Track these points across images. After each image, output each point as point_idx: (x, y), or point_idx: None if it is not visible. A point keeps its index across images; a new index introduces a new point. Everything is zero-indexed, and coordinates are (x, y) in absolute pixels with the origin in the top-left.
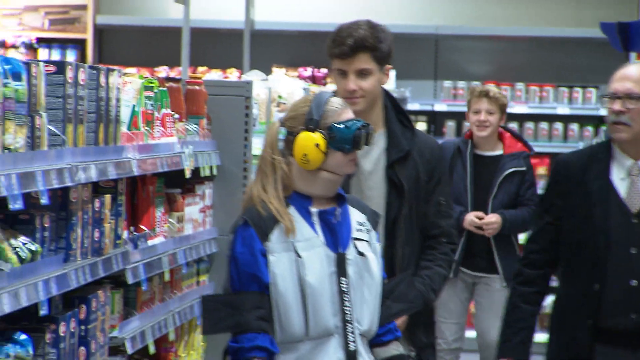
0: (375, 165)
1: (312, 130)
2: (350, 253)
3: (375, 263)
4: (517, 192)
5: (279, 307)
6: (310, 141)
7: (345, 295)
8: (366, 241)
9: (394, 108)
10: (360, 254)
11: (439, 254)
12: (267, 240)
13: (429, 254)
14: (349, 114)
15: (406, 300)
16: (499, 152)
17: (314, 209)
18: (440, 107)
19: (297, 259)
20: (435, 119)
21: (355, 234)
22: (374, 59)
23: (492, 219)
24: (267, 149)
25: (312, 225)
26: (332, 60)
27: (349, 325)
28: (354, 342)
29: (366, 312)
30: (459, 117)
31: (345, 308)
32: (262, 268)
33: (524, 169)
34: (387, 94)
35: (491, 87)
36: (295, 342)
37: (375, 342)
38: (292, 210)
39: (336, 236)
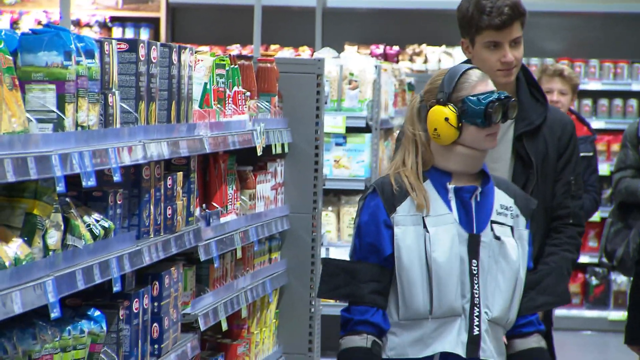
0: (502, 136)
1: (443, 104)
2: (486, 235)
3: (514, 250)
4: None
5: (403, 282)
6: (440, 115)
7: (475, 278)
8: (509, 226)
9: (526, 80)
10: (497, 237)
11: (566, 237)
12: (394, 212)
13: (554, 237)
14: (486, 87)
15: (554, 294)
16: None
17: (450, 186)
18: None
19: (425, 234)
20: None
21: (495, 217)
22: (522, 26)
23: None
24: (407, 124)
25: (447, 202)
26: (477, 32)
27: (476, 308)
28: (478, 326)
29: (498, 299)
30: None
31: (475, 291)
32: (384, 240)
33: (591, 154)
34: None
35: (564, 66)
36: (418, 319)
37: (514, 332)
38: (428, 185)
39: (472, 216)
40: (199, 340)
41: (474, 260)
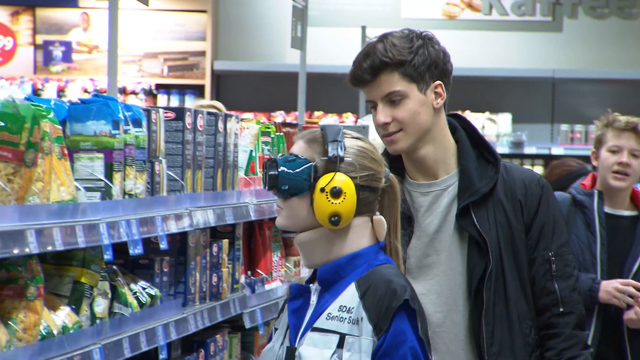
0: (443, 220)
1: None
2: (303, 348)
3: None
4: None
5: None
6: None
7: None
8: (336, 333)
9: (470, 138)
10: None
11: (562, 340)
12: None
13: (548, 345)
14: (294, 147)
15: None
16: (633, 211)
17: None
18: (557, 150)
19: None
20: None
21: (320, 323)
22: (405, 77)
23: None
24: None
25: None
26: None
27: None
28: None
29: None
30: None
31: None
32: None
33: None
34: (457, 121)
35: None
36: None
37: None
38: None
39: (300, 323)
40: None
41: None
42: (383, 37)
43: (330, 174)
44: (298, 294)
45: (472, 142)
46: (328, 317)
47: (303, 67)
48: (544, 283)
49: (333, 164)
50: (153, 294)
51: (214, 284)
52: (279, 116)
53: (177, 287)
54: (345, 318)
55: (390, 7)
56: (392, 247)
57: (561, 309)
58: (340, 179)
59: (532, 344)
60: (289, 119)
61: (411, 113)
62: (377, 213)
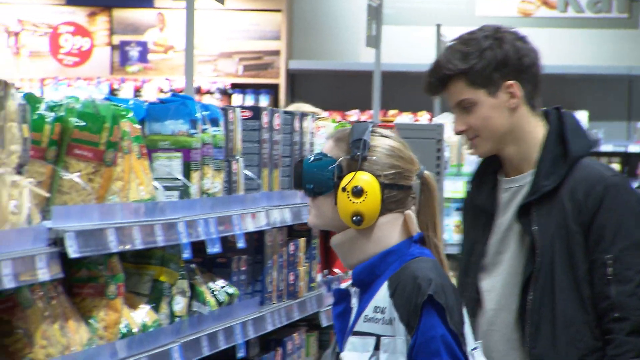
0: (514, 218)
1: None
2: (343, 354)
3: None
4: None
5: None
6: None
7: None
8: (373, 335)
9: (556, 135)
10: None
11: (613, 346)
12: None
13: (605, 351)
14: (324, 146)
15: None
16: None
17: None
18: (634, 148)
19: None
20: (629, 161)
21: (359, 326)
22: (472, 85)
23: None
24: None
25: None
26: None
27: None
28: None
29: None
30: None
31: None
32: None
33: None
34: (553, 115)
35: None
36: None
37: None
38: None
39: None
40: None
41: None
42: (449, 47)
43: (353, 173)
44: (340, 298)
45: (558, 138)
46: (365, 319)
47: (378, 65)
48: (601, 287)
49: (356, 163)
50: (231, 292)
51: (291, 282)
52: (354, 115)
53: (254, 286)
54: (380, 319)
55: (465, 5)
56: (431, 242)
57: (616, 314)
58: (363, 178)
59: (582, 349)
60: (364, 117)
61: (482, 119)
62: (411, 209)
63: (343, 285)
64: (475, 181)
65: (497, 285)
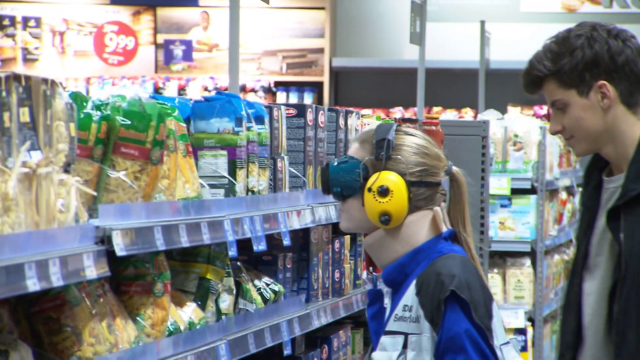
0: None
1: None
2: (374, 354)
3: None
4: None
5: None
6: None
7: None
8: (402, 334)
9: None
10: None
11: None
12: None
13: None
14: (350, 148)
15: None
16: None
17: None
18: None
19: None
20: None
21: (390, 325)
22: (562, 85)
23: None
24: None
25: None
26: None
27: None
28: None
29: None
30: None
31: None
32: None
33: None
34: None
35: None
36: None
37: None
38: None
39: (380, 327)
40: None
41: None
42: (543, 45)
43: (377, 173)
44: (374, 298)
45: None
46: (395, 319)
47: (422, 62)
48: None
49: (381, 163)
50: (277, 290)
51: (336, 279)
52: (398, 112)
53: (299, 283)
54: (408, 317)
55: (510, 1)
56: (461, 239)
57: None
58: (388, 178)
59: None
60: (408, 114)
61: (574, 120)
62: (442, 205)
63: (377, 286)
64: (585, 178)
65: (593, 289)
